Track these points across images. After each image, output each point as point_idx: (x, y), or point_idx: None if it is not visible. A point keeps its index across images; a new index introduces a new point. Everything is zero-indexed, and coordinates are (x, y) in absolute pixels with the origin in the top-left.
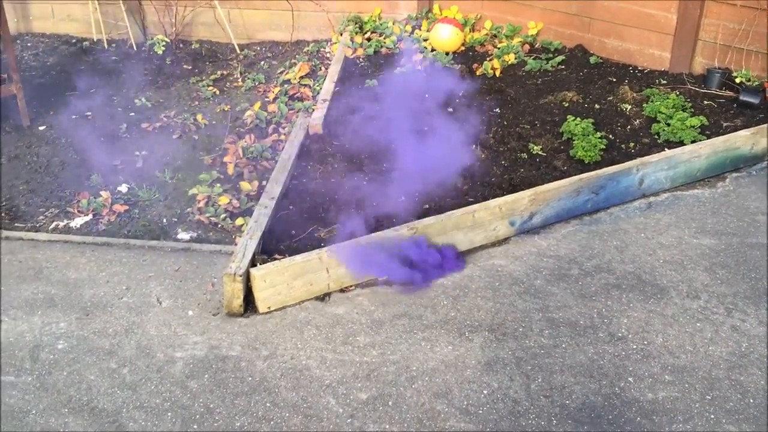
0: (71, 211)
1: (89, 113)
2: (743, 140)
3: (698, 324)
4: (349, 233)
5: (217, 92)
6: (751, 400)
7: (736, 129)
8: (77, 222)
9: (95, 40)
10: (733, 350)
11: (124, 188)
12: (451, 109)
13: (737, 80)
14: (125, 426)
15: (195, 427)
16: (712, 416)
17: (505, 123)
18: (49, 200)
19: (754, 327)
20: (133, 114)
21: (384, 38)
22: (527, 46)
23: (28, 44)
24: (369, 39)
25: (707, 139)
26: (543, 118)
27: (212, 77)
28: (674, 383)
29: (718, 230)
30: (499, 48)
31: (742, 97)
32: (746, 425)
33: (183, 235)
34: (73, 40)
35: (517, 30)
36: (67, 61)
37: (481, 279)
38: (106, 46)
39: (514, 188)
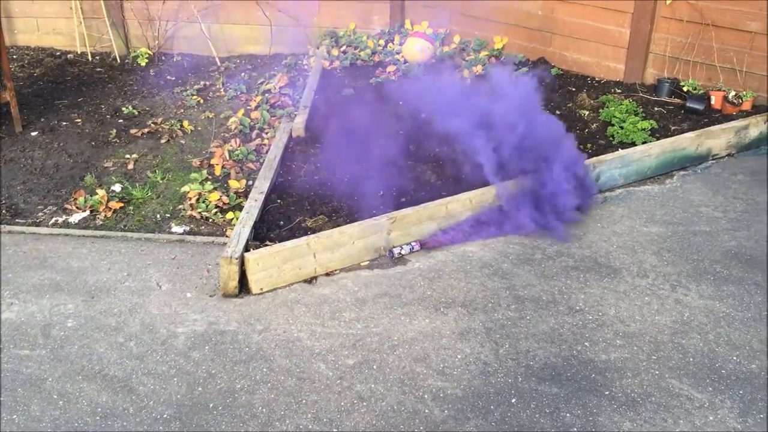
0: (69, 208)
1: (79, 120)
2: (689, 142)
3: (646, 298)
4: (334, 222)
5: (201, 101)
6: (691, 359)
7: (682, 132)
8: (75, 218)
9: (79, 52)
10: (676, 319)
11: (117, 188)
12: (424, 115)
13: (684, 89)
14: (136, 389)
15: (200, 389)
16: (657, 372)
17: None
18: (46, 198)
19: (695, 300)
20: (121, 121)
21: (359, 51)
22: (494, 59)
23: (14, 56)
24: (345, 52)
25: (657, 140)
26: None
27: (195, 87)
28: (625, 346)
29: (666, 220)
30: (467, 60)
31: (688, 104)
32: (686, 379)
33: (177, 229)
34: (58, 53)
35: (484, 44)
36: (53, 72)
37: (454, 263)
38: (90, 58)
39: (484, 183)
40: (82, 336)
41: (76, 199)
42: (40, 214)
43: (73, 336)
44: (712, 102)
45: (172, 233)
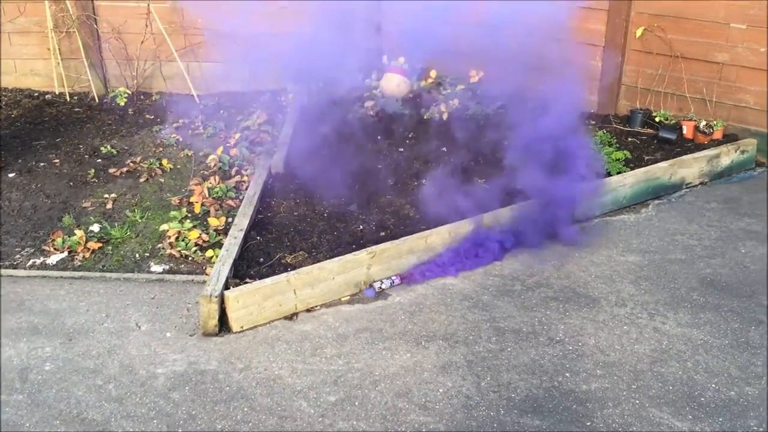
0: (47, 249)
1: (57, 161)
2: (662, 171)
3: (625, 327)
4: (314, 258)
5: (180, 139)
6: (671, 387)
7: (656, 162)
8: (53, 259)
9: (57, 93)
10: (655, 347)
11: (96, 228)
12: (402, 149)
13: (657, 119)
14: None
15: (180, 431)
16: (638, 402)
17: (452, 159)
18: (24, 240)
19: (673, 328)
20: (100, 160)
21: (337, 87)
22: (470, 93)
23: None
24: (323, 88)
25: (631, 170)
26: (485, 154)
27: (174, 125)
28: (605, 376)
29: (642, 249)
30: (444, 95)
31: (661, 134)
32: (666, 407)
33: (156, 268)
34: (36, 94)
35: (460, 79)
36: (30, 113)
37: (434, 296)
38: (68, 98)
39: (461, 216)
40: (60, 379)
41: (54, 240)
42: (18, 256)
43: (50, 380)
44: (684, 132)
45: (151, 272)
